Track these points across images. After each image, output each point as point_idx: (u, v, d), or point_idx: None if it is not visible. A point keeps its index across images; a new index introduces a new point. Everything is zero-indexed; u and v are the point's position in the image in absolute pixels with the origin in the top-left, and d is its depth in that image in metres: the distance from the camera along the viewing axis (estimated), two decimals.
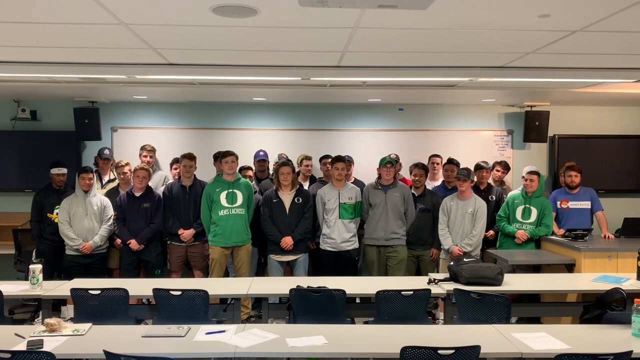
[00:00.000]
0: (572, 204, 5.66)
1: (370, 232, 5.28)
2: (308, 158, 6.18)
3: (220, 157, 5.47)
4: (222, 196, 5.20)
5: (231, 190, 5.23)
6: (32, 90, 5.90)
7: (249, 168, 6.04)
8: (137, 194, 5.37)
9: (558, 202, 5.70)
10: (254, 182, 5.85)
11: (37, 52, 3.91)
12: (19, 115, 6.64)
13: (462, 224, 5.20)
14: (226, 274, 5.50)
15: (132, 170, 5.52)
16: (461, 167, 5.82)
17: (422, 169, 5.61)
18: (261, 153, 6.25)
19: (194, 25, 3.17)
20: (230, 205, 5.19)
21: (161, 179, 6.24)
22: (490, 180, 6.09)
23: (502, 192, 6.01)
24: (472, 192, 5.31)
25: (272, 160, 6.40)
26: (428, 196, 5.56)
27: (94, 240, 5.17)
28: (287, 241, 5.18)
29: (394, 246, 5.21)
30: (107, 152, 6.24)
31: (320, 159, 6.27)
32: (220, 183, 5.28)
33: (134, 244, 5.26)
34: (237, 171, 5.38)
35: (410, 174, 5.69)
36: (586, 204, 5.67)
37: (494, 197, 5.89)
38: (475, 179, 5.50)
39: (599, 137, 7.13)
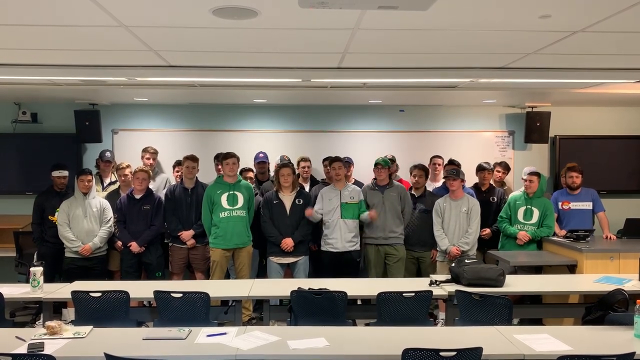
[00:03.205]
0: (574, 205, 5.65)
1: (369, 232, 5.38)
2: (305, 159, 6.16)
3: (221, 159, 5.46)
4: (223, 198, 5.19)
5: (232, 192, 5.22)
6: (33, 92, 5.90)
7: (250, 170, 6.02)
8: (138, 196, 5.36)
9: (559, 203, 5.69)
10: (254, 184, 5.84)
11: (38, 54, 3.91)
12: (20, 117, 6.65)
13: (457, 224, 5.19)
14: (227, 276, 5.49)
15: (133, 172, 5.51)
16: (461, 168, 5.82)
17: (422, 170, 5.61)
18: (261, 155, 6.24)
19: (194, 27, 3.17)
20: (231, 207, 5.19)
21: (163, 182, 6.23)
22: (491, 181, 6.08)
23: (504, 193, 6.00)
24: (463, 192, 5.31)
25: (273, 162, 6.39)
26: (428, 197, 5.55)
27: (93, 242, 5.15)
28: (288, 242, 5.17)
29: (393, 245, 5.30)
30: (108, 154, 6.23)
31: (323, 161, 6.26)
32: (221, 185, 5.27)
33: (134, 246, 5.25)
34: (237, 173, 5.38)
35: (410, 174, 5.68)
36: (588, 205, 5.66)
37: (495, 199, 5.89)
38: (465, 178, 5.51)
39: (600, 137, 7.12)
